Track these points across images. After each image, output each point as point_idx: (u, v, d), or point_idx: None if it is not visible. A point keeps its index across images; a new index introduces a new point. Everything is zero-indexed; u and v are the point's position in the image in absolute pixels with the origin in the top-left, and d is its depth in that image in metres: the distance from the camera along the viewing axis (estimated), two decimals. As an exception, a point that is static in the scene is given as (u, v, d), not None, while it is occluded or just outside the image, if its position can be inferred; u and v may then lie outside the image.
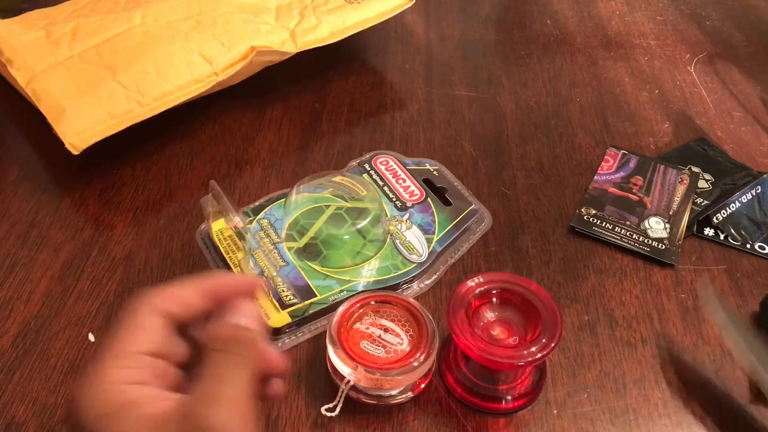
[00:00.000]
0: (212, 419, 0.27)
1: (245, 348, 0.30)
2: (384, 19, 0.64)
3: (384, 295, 0.43)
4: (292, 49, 0.60)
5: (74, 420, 0.28)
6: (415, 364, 0.39)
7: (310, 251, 0.48)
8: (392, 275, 0.47)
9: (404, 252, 0.48)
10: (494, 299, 0.42)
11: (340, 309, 0.41)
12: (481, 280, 0.42)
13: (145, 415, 0.28)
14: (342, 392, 0.39)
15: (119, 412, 0.28)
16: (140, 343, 0.30)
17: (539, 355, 0.37)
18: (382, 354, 0.40)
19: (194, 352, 0.32)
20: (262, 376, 0.35)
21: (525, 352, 0.38)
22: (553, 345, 0.38)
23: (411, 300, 0.42)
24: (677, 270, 0.50)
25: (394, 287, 0.47)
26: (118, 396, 0.28)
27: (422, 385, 0.41)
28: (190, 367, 0.32)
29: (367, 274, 0.47)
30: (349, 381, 0.39)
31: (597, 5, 0.80)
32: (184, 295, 0.32)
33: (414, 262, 0.48)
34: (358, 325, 0.41)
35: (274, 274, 0.46)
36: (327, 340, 0.40)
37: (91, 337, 0.45)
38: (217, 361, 0.30)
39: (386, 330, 0.41)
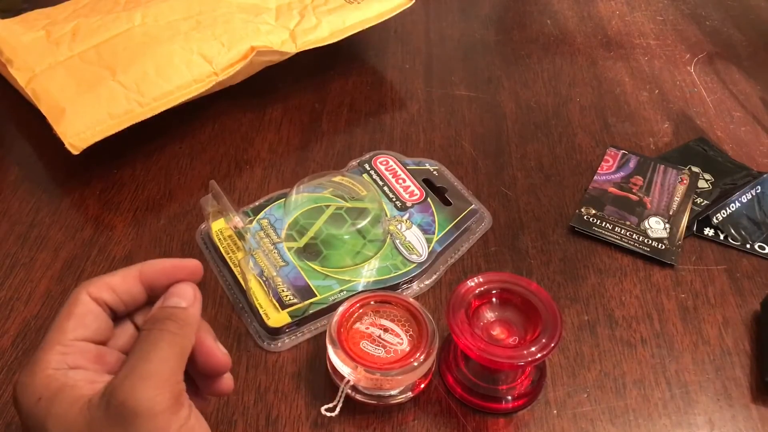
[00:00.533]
0: (136, 394, 0.28)
1: (173, 324, 0.31)
2: (384, 19, 0.64)
3: (384, 295, 0.43)
4: (292, 49, 0.60)
5: (18, 405, 0.30)
6: (415, 364, 0.39)
7: (310, 251, 0.48)
8: (392, 275, 0.47)
9: (404, 252, 0.48)
10: (494, 299, 0.42)
11: (340, 309, 0.41)
12: (481, 280, 0.42)
13: (79, 396, 0.29)
14: (342, 392, 0.39)
15: (56, 395, 0.29)
16: (77, 330, 0.31)
17: (539, 355, 0.37)
18: (382, 354, 0.40)
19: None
20: (208, 371, 0.34)
21: (525, 352, 0.38)
22: (552, 345, 0.38)
23: (411, 300, 0.42)
24: (677, 270, 0.50)
25: (394, 287, 0.47)
26: (56, 380, 0.29)
27: (422, 385, 0.41)
28: None
29: (367, 274, 0.47)
30: (348, 381, 0.39)
31: (597, 5, 0.80)
32: (119, 282, 0.33)
33: (414, 262, 0.48)
34: (358, 325, 0.41)
35: (274, 274, 0.46)
36: (327, 340, 0.40)
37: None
38: (144, 338, 0.30)
39: (386, 330, 0.41)
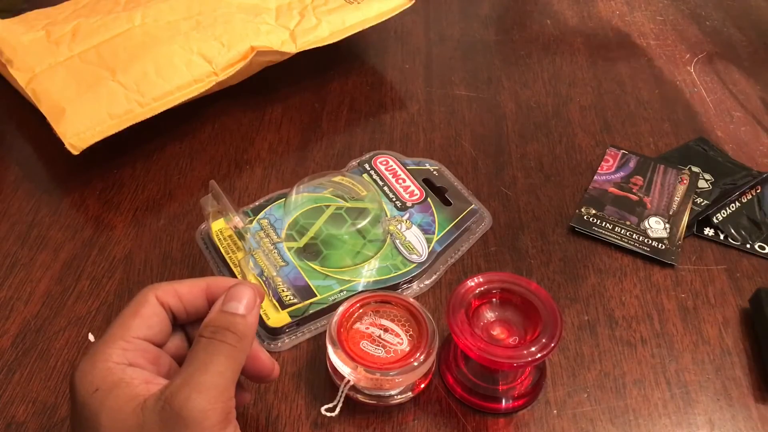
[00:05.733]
0: (190, 404, 0.28)
1: (232, 336, 0.31)
2: (384, 19, 0.64)
3: (384, 295, 0.43)
4: (292, 49, 0.60)
5: (74, 392, 0.30)
6: (415, 364, 0.39)
7: (310, 251, 0.48)
8: (392, 275, 0.47)
9: (404, 252, 0.48)
10: (494, 299, 0.42)
11: (340, 309, 0.41)
12: (481, 280, 0.42)
13: (135, 395, 0.29)
14: (342, 392, 0.39)
15: (112, 389, 0.30)
16: (141, 329, 0.32)
17: (539, 355, 0.37)
18: (382, 354, 0.40)
19: (189, 347, 0.34)
20: (254, 376, 0.36)
21: (525, 352, 0.38)
22: (552, 345, 0.38)
23: (411, 300, 0.42)
24: (677, 270, 0.50)
25: (394, 287, 0.47)
26: (114, 374, 0.30)
27: (422, 385, 0.41)
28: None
29: (367, 274, 0.47)
30: (348, 381, 0.39)
31: (597, 5, 0.80)
32: (186, 291, 0.34)
33: (414, 262, 0.48)
34: (358, 325, 0.41)
35: (274, 274, 0.46)
36: (327, 340, 0.40)
37: (91, 337, 0.45)
38: (204, 347, 0.31)
39: (386, 330, 0.41)
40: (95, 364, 0.30)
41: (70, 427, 0.31)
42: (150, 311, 0.33)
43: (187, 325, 0.36)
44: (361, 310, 0.42)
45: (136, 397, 0.29)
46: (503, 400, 0.41)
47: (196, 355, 0.30)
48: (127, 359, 0.31)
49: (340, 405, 0.39)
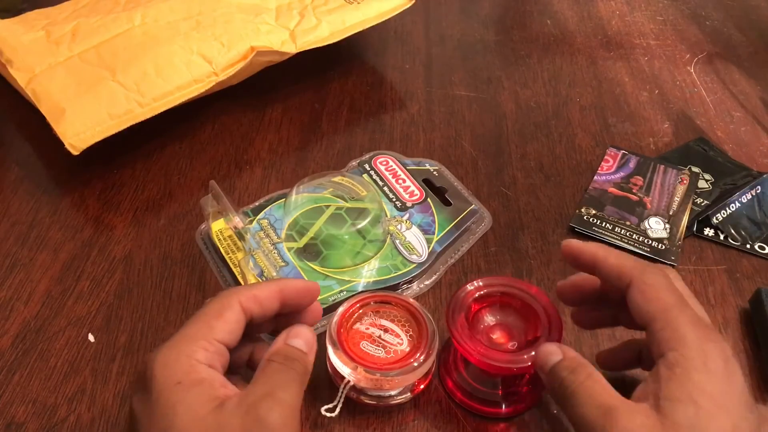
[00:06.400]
0: (273, 415, 0.30)
1: (300, 365, 0.34)
2: (384, 19, 0.64)
3: (384, 296, 0.43)
4: (292, 49, 0.60)
5: (153, 381, 0.31)
6: (415, 364, 0.39)
7: (310, 251, 0.48)
8: (392, 275, 0.47)
9: (404, 252, 0.48)
10: (494, 303, 0.41)
11: (340, 309, 0.41)
12: (481, 284, 0.41)
13: (214, 396, 0.31)
14: (342, 392, 0.39)
15: (194, 386, 0.31)
16: (223, 333, 0.33)
17: None
18: (382, 354, 0.40)
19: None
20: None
21: (525, 356, 0.37)
22: None
23: (411, 300, 0.42)
24: (677, 270, 0.50)
25: (394, 287, 0.47)
26: (197, 372, 0.31)
27: (422, 386, 0.41)
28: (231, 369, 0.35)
29: (367, 274, 0.47)
30: (348, 381, 0.39)
31: (597, 5, 0.80)
32: (264, 296, 0.35)
33: (414, 263, 0.48)
34: (358, 325, 0.41)
35: (274, 274, 0.46)
36: (327, 341, 0.40)
37: (91, 338, 0.45)
38: (276, 370, 0.33)
39: (386, 330, 0.41)
40: (179, 357, 0.31)
41: (132, 406, 0.32)
42: (233, 317, 0.34)
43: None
44: (361, 311, 0.42)
45: (216, 398, 0.31)
46: (503, 405, 0.41)
47: (273, 375, 0.33)
48: (208, 360, 0.32)
49: (339, 405, 0.39)
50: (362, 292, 0.45)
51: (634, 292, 0.34)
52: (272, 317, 0.36)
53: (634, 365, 0.40)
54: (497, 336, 0.40)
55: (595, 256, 0.37)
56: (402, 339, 0.40)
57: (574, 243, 0.38)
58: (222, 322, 0.33)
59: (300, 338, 0.35)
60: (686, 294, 0.36)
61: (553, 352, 0.35)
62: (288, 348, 0.34)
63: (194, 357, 0.32)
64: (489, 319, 0.41)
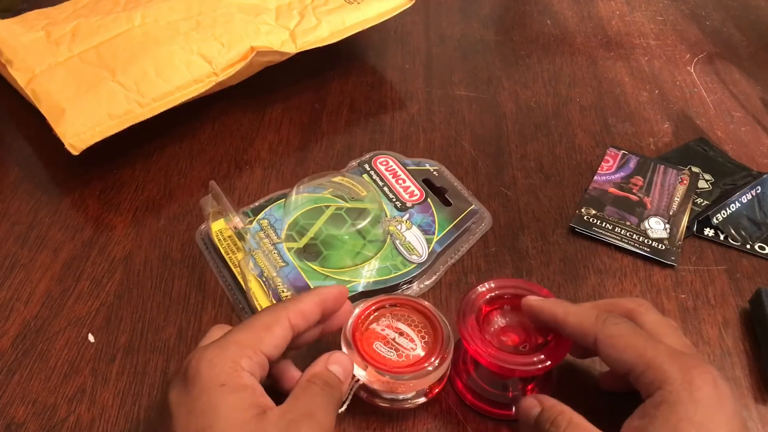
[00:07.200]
0: None
1: (337, 392, 0.36)
2: (384, 19, 0.64)
3: (401, 299, 0.42)
4: (291, 49, 0.60)
5: (198, 379, 0.32)
6: (430, 368, 0.38)
7: (310, 252, 0.48)
8: (392, 276, 0.47)
9: (404, 252, 0.48)
10: (505, 305, 0.41)
11: (357, 310, 0.41)
12: (492, 285, 0.41)
13: (256, 403, 0.32)
14: (351, 390, 0.39)
15: (238, 390, 0.32)
16: (269, 346, 0.34)
17: (549, 362, 0.37)
18: (393, 357, 0.39)
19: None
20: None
21: (535, 359, 0.37)
22: (563, 352, 0.38)
23: (427, 304, 0.42)
24: (677, 270, 0.50)
25: (394, 288, 0.47)
26: (242, 378, 0.32)
27: (436, 390, 0.41)
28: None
29: (367, 274, 0.47)
30: (358, 380, 0.39)
31: (597, 5, 0.80)
32: (309, 311, 0.36)
33: (414, 263, 0.48)
34: (374, 325, 0.41)
35: (274, 274, 0.46)
36: (341, 340, 0.40)
37: (91, 338, 0.45)
38: (316, 393, 0.34)
39: (401, 334, 0.41)
40: (225, 360, 0.32)
41: (168, 399, 0.32)
42: (281, 332, 0.35)
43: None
44: (377, 312, 0.42)
45: (258, 406, 0.32)
46: (513, 407, 0.41)
47: (314, 398, 0.34)
48: (250, 368, 0.33)
49: (347, 403, 0.39)
50: (377, 294, 0.44)
51: (604, 348, 0.35)
52: (313, 327, 0.37)
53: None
54: (507, 338, 0.40)
55: (554, 316, 0.38)
56: (416, 344, 0.40)
57: (534, 301, 0.39)
58: (270, 335, 0.34)
59: (339, 365, 0.37)
60: (659, 323, 0.36)
61: (532, 406, 0.36)
62: (328, 374, 0.36)
63: (239, 364, 0.32)
64: (499, 321, 0.41)
